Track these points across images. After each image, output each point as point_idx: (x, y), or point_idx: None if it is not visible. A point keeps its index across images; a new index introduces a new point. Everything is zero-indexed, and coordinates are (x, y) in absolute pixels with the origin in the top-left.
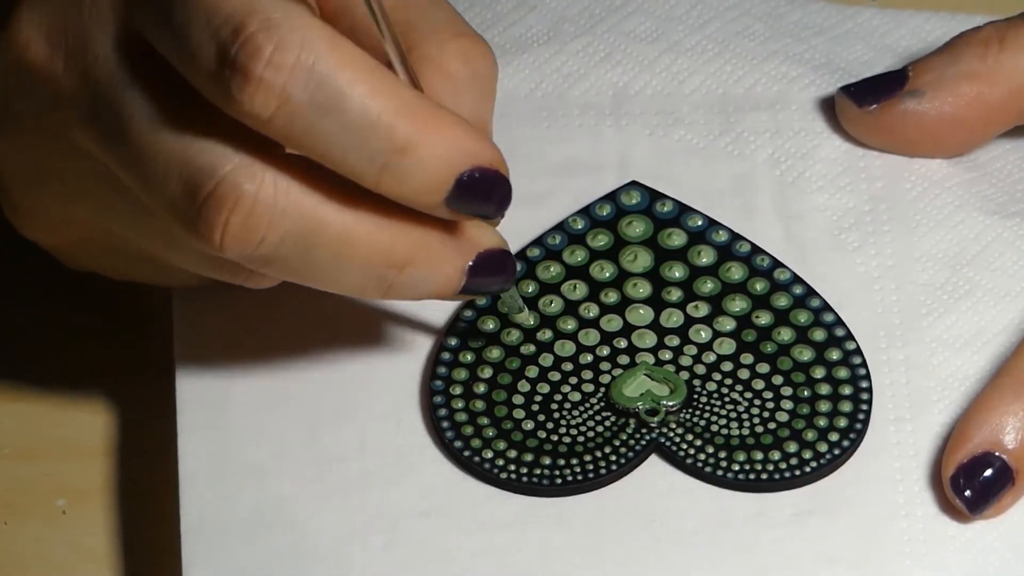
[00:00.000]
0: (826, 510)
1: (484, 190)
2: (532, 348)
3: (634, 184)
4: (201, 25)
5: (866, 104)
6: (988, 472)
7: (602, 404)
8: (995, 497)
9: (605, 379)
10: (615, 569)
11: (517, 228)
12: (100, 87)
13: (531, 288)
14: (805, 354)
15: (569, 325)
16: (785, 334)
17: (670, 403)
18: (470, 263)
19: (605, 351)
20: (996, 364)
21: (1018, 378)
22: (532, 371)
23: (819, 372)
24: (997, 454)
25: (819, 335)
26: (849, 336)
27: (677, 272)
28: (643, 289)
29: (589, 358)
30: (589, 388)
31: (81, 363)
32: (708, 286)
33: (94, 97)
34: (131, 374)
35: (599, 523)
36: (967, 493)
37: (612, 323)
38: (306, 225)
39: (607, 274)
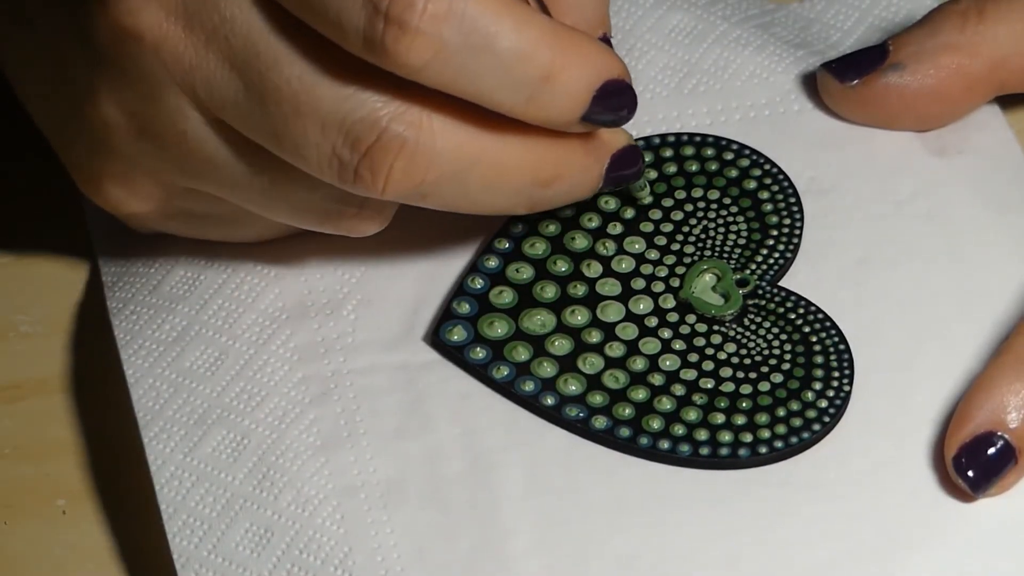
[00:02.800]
0: (824, 491)
1: (616, 101)
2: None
3: None
4: None
5: (847, 79)
6: (991, 451)
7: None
8: (998, 476)
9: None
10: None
11: None
12: (234, 49)
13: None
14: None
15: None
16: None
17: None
18: (606, 165)
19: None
20: (992, 341)
21: (1019, 356)
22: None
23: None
24: (1000, 433)
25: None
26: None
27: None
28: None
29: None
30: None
31: (81, 362)
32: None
33: (227, 60)
34: None
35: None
36: (970, 473)
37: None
38: (463, 160)
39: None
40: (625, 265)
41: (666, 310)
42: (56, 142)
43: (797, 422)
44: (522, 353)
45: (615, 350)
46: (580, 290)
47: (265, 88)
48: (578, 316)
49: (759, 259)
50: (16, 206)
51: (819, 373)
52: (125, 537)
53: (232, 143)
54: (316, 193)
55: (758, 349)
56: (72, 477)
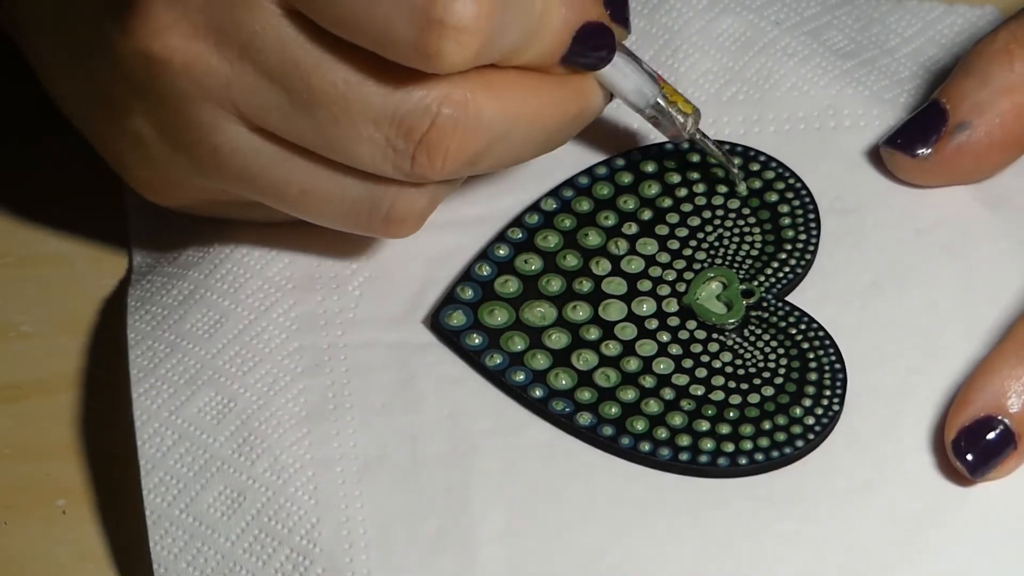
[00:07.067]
0: (800, 509)
1: (595, 43)
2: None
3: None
4: None
5: (918, 151)
6: (990, 436)
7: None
8: (997, 460)
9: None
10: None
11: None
12: (270, 61)
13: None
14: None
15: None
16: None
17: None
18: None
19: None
20: (992, 333)
21: (1021, 343)
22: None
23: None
24: (1000, 418)
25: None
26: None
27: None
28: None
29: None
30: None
31: (81, 362)
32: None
33: (263, 71)
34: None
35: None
36: (968, 456)
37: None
38: (506, 121)
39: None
40: (635, 266)
41: (668, 314)
42: (93, 140)
43: (781, 436)
44: (518, 343)
45: (611, 349)
46: (585, 286)
47: (311, 93)
48: (579, 312)
49: (769, 271)
50: (16, 206)
51: (811, 390)
52: (125, 537)
53: (270, 151)
54: (349, 195)
55: (753, 361)
56: (72, 477)
